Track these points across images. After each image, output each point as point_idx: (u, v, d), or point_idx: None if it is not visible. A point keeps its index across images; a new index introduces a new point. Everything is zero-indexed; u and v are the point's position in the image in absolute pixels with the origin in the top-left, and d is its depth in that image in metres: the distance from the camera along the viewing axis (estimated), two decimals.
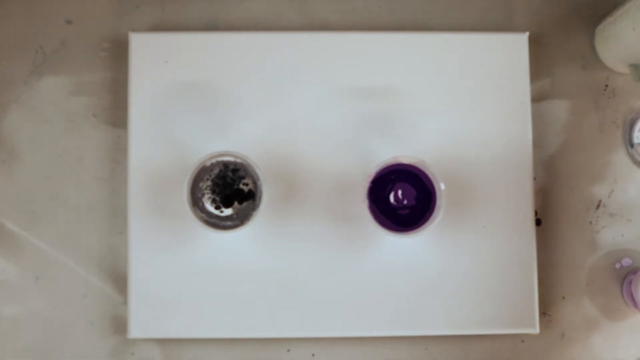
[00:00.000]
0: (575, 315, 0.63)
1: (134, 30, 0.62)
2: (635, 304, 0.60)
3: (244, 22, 0.64)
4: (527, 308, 0.60)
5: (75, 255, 0.62)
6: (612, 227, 0.63)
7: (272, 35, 0.62)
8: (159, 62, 0.61)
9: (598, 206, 0.63)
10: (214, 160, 0.57)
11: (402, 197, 0.57)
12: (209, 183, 0.57)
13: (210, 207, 0.57)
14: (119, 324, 0.62)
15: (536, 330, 0.60)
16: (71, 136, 0.63)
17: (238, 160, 0.57)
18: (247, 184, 0.57)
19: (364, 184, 0.57)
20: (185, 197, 0.55)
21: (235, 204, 0.57)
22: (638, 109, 0.64)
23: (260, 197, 0.56)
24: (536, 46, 0.64)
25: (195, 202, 0.56)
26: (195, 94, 0.61)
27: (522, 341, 0.62)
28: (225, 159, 0.57)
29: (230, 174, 0.57)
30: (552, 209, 0.63)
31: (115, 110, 0.63)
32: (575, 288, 0.63)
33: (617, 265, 0.63)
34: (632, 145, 0.64)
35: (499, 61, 0.62)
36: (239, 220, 0.57)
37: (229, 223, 0.57)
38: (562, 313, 0.63)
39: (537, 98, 0.64)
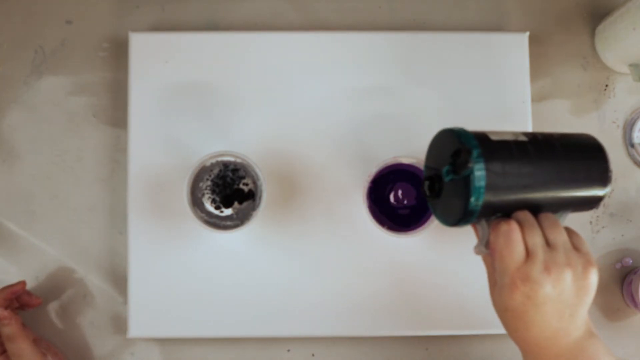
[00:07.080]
0: None
1: (134, 30, 0.62)
2: (635, 304, 0.60)
3: (244, 22, 0.64)
4: None
5: (75, 255, 0.62)
6: (612, 227, 0.63)
7: (271, 35, 0.62)
8: (158, 62, 0.61)
9: None
10: (214, 160, 0.57)
11: (402, 197, 0.57)
12: (209, 183, 0.57)
13: (210, 207, 0.57)
14: (119, 324, 0.61)
15: None
16: (71, 136, 0.63)
17: (238, 160, 0.57)
18: (247, 184, 0.57)
19: (364, 184, 0.57)
20: (185, 197, 0.55)
21: (235, 204, 0.57)
22: (638, 109, 0.64)
23: (260, 197, 0.56)
24: (536, 46, 0.64)
25: (195, 202, 0.56)
26: (195, 93, 0.61)
27: None
28: (225, 159, 0.57)
29: (230, 174, 0.57)
30: None
31: (115, 110, 0.63)
32: None
33: (617, 265, 0.63)
34: (632, 145, 0.63)
35: (499, 61, 0.62)
36: (239, 220, 0.57)
37: (229, 223, 0.56)
38: None
39: (537, 98, 0.64)
